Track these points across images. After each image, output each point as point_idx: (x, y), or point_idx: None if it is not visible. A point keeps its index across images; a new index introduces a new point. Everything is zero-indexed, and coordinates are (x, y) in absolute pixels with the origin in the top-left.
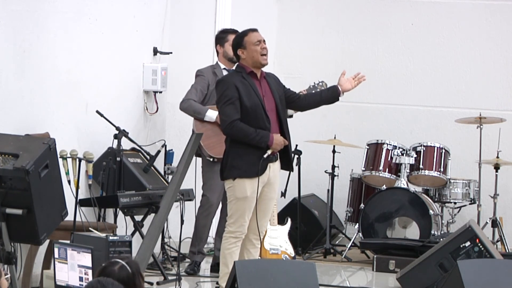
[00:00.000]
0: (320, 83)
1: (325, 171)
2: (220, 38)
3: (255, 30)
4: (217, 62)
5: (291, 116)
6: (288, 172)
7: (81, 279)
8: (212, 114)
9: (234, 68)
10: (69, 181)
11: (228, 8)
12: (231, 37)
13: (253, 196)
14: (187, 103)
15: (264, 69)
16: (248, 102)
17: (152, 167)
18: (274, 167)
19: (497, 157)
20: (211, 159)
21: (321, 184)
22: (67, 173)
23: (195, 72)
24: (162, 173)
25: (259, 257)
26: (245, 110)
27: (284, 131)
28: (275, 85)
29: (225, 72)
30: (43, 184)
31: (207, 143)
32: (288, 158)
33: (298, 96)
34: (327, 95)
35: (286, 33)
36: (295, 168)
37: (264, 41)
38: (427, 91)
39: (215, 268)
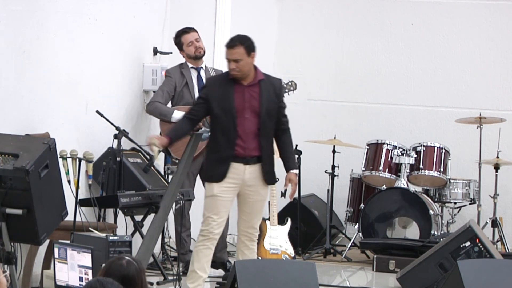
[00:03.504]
0: (289, 83)
1: (325, 171)
2: (177, 43)
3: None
4: (185, 61)
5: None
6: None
7: (81, 279)
8: (178, 115)
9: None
10: (69, 181)
11: (228, 8)
12: (185, 37)
13: (223, 196)
14: (153, 105)
15: (266, 71)
16: (217, 107)
17: (152, 167)
18: (251, 170)
19: (497, 157)
20: (176, 161)
21: (321, 184)
22: (67, 173)
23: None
24: (162, 173)
25: (259, 257)
26: (215, 114)
27: (261, 142)
28: (269, 94)
29: (193, 71)
30: (43, 184)
31: (173, 145)
32: (270, 171)
33: (282, 128)
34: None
35: (286, 33)
36: None
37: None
38: (427, 91)
39: (214, 266)
